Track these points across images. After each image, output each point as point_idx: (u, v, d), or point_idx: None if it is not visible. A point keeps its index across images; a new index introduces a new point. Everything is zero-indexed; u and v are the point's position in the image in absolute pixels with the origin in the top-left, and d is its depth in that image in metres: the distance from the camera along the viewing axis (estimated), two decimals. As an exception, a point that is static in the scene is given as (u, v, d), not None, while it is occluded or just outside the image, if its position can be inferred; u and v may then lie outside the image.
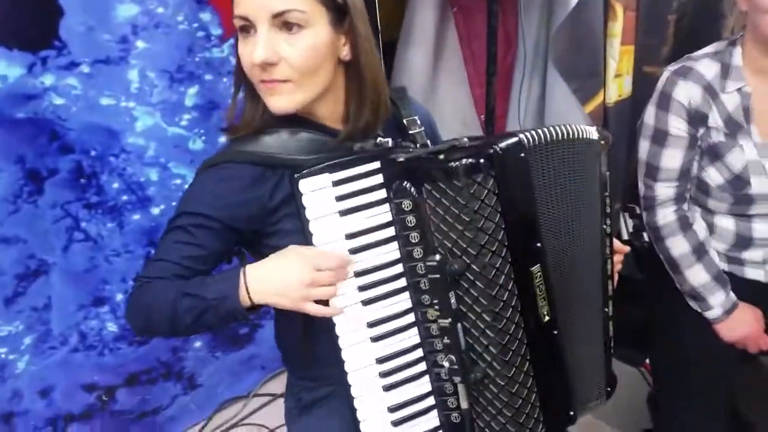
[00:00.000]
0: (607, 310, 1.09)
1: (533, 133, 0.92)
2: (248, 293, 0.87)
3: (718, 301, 1.40)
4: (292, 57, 0.88)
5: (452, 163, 0.85)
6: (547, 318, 0.93)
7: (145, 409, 1.80)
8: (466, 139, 0.91)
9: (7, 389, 1.56)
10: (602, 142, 1.04)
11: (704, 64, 1.37)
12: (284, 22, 0.87)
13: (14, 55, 1.41)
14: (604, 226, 1.06)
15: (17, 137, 1.46)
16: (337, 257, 0.88)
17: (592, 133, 1.01)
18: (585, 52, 2.11)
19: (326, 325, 0.91)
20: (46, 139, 1.50)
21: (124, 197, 1.62)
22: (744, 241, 1.41)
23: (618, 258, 1.11)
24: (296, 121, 0.95)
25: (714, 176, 1.36)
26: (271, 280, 0.87)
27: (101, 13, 1.51)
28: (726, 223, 1.42)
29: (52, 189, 1.53)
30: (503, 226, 0.87)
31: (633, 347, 2.06)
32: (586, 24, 2.08)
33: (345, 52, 0.94)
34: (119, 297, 1.67)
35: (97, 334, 1.67)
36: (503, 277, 0.88)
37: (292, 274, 0.86)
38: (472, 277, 0.88)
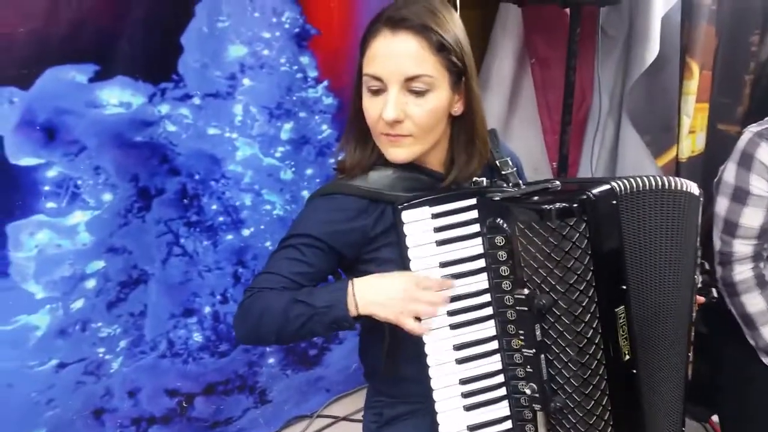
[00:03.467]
0: (689, 354, 1.14)
1: (625, 181, 0.99)
2: (355, 302, 0.95)
3: None
4: (418, 117, 0.98)
5: (546, 206, 0.92)
6: (627, 357, 0.98)
7: (218, 419, 1.91)
8: (558, 182, 0.99)
9: (101, 387, 1.69)
10: (701, 198, 1.10)
11: None
12: (413, 87, 0.96)
13: (139, 85, 1.59)
14: (696, 276, 1.12)
15: (133, 158, 1.62)
16: (438, 280, 0.96)
17: (691, 187, 1.08)
18: (659, 107, 2.17)
19: (412, 345, 0.98)
20: (157, 161, 1.66)
21: (221, 218, 1.76)
22: None
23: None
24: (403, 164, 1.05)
25: None
26: (377, 291, 0.96)
27: (215, 52, 1.68)
28: None
29: (159, 207, 1.68)
30: (592, 268, 0.93)
31: (698, 402, 2.05)
32: (662, 81, 2.14)
33: (456, 108, 1.03)
34: (207, 310, 1.80)
35: (184, 343, 1.80)
36: (588, 315, 0.95)
37: (397, 287, 0.95)
38: (558, 313, 0.94)
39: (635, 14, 2.13)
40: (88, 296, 1.62)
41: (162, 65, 1.62)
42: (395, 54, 0.95)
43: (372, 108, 0.99)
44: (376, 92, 0.98)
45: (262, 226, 1.83)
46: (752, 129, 1.44)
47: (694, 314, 1.15)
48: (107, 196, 1.60)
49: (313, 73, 1.85)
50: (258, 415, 1.98)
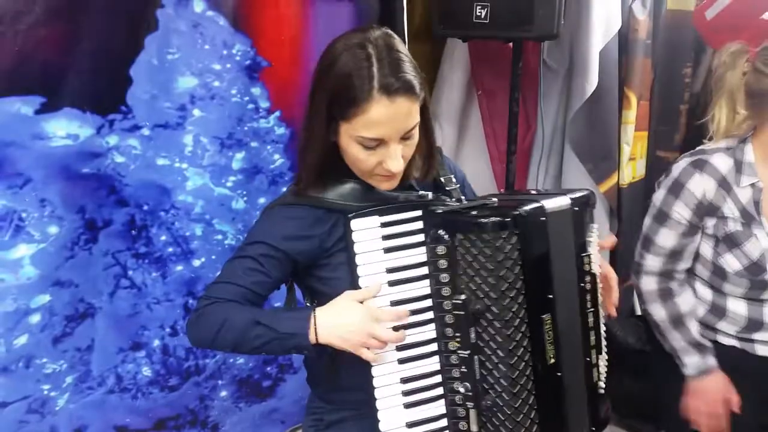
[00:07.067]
0: (588, 359, 1.20)
1: (554, 200, 1.10)
2: (316, 333, 1.02)
3: (691, 362, 1.50)
4: (407, 154, 1.07)
5: (483, 219, 1.02)
6: (552, 360, 1.07)
7: (169, 455, 1.87)
8: (495, 199, 1.08)
9: (46, 425, 1.64)
10: (575, 208, 1.16)
11: (719, 158, 1.46)
12: (407, 136, 1.05)
13: (86, 116, 1.58)
14: (582, 284, 1.19)
15: (80, 190, 1.60)
16: (392, 312, 1.02)
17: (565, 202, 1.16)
18: (600, 136, 2.27)
19: (353, 356, 1.04)
20: (105, 192, 1.64)
21: (170, 249, 1.75)
22: (755, 325, 1.49)
23: (614, 291, 1.24)
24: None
25: (732, 263, 1.44)
26: (337, 325, 1.02)
27: (164, 83, 1.68)
28: (739, 308, 1.49)
29: (106, 238, 1.66)
30: (522, 277, 1.03)
31: (645, 420, 2.10)
32: (602, 111, 2.24)
33: None
34: (156, 343, 1.77)
35: (132, 378, 1.76)
36: (518, 320, 1.03)
37: (356, 323, 1.01)
38: (491, 317, 1.03)
39: (575, 48, 2.23)
40: (33, 331, 1.58)
41: (110, 97, 1.62)
42: (395, 118, 1.02)
43: (370, 160, 1.06)
44: (373, 147, 1.04)
45: (213, 257, 1.82)
46: (687, 158, 1.51)
47: (592, 318, 1.22)
48: (53, 229, 1.57)
49: (264, 104, 1.87)
50: (210, 450, 1.94)
